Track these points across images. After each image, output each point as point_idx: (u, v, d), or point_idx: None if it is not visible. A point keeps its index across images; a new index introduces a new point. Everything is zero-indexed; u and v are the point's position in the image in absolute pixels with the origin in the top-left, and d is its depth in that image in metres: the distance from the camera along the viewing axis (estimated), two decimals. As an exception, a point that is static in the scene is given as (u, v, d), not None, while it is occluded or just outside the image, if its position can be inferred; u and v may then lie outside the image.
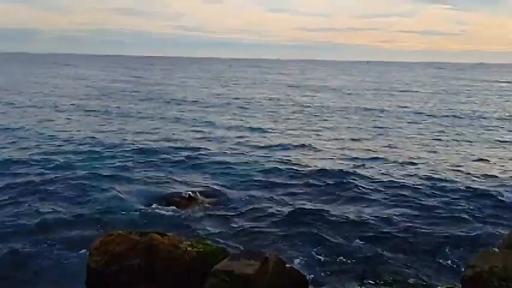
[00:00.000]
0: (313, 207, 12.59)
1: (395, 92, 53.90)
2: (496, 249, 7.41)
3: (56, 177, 14.85)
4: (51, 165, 16.31)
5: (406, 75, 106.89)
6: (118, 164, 16.81)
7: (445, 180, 15.03)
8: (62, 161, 17.01)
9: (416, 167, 16.99)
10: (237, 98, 41.96)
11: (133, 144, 20.15)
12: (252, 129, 25.16)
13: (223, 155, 18.54)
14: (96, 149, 19.11)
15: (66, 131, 23.40)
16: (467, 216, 11.95)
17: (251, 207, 12.63)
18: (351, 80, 79.85)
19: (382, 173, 16.01)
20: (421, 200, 13.14)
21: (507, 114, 33.40)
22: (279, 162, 17.50)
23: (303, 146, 20.75)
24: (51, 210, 12.02)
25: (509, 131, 25.92)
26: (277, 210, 12.37)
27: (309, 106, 37.66)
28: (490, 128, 26.91)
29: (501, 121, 29.84)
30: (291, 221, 11.61)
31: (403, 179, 15.25)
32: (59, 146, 19.70)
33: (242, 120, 28.45)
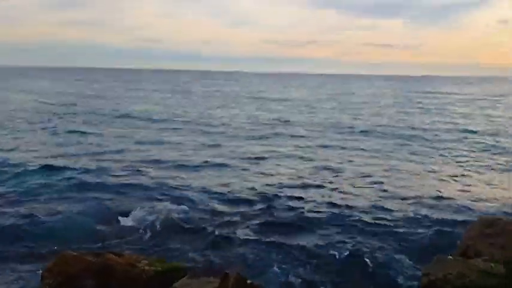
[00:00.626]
0: (278, 222, 12.59)
1: (351, 104, 55.11)
2: (450, 257, 7.61)
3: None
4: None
5: (363, 86, 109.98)
6: (67, 182, 16.11)
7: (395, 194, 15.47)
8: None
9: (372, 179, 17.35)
10: (185, 113, 41.29)
11: (84, 163, 19.23)
12: (204, 145, 24.75)
13: (177, 170, 18.32)
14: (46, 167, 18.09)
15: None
16: (419, 227, 12.22)
17: (212, 224, 12.44)
18: (307, 93, 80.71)
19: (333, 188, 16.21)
20: (372, 214, 13.32)
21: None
22: (237, 177, 17.43)
23: (259, 160, 20.79)
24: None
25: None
26: (241, 227, 12.24)
27: (261, 118, 38.00)
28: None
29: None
30: (254, 237, 11.51)
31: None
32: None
33: (202, 137, 27.67)
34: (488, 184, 17.03)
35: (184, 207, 13.61)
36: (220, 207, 13.80)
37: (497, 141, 26.74)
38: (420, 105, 53.58)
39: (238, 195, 15.03)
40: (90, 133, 27.73)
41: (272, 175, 18.00)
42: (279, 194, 15.11)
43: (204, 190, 15.49)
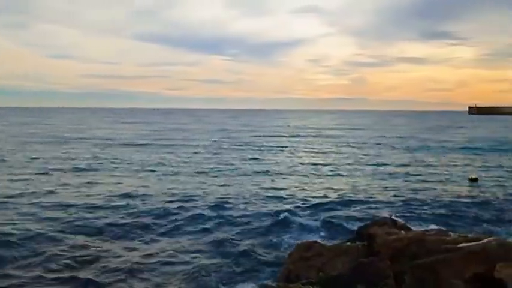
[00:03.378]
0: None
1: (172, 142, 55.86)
2: (273, 284, 8.01)
3: None
4: None
5: (189, 120, 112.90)
6: None
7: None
8: None
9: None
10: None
11: None
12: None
13: None
14: None
15: None
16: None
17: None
18: (129, 129, 76.56)
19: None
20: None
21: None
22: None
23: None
24: None
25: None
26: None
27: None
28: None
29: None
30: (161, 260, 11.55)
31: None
32: None
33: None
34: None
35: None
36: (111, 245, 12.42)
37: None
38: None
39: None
40: None
41: None
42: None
43: None
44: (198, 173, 26.22)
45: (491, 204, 17.85)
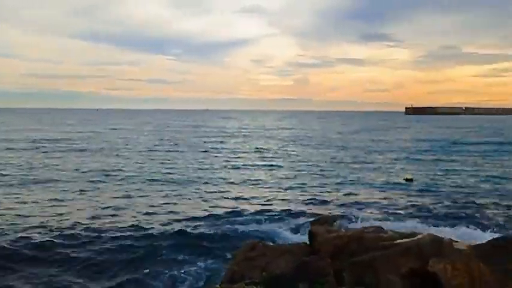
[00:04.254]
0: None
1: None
2: (217, 285, 7.98)
3: None
4: None
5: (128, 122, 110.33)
6: None
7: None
8: None
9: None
10: None
11: None
12: None
13: None
14: None
15: None
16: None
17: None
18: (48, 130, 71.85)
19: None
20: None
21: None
22: None
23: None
24: None
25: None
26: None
27: None
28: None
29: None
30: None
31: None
32: None
33: None
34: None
35: None
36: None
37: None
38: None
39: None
40: None
41: None
42: None
43: None
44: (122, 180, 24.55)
45: (425, 202, 18.74)
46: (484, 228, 14.58)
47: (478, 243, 8.69)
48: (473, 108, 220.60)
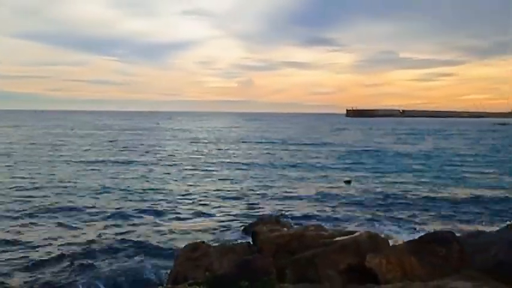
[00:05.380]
0: None
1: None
2: (160, 286, 7.96)
3: None
4: None
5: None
6: None
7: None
8: None
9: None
10: None
11: None
12: None
13: None
14: None
15: None
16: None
17: None
18: None
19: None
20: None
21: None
22: None
23: None
24: None
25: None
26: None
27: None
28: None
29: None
30: None
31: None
32: None
33: None
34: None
35: None
36: None
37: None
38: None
39: None
40: None
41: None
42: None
43: None
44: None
45: (363, 203, 19.49)
46: (415, 225, 15.46)
47: (409, 239, 9.21)
48: (410, 111, 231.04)
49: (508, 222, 11.45)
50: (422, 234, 9.65)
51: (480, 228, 14.17)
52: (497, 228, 10.60)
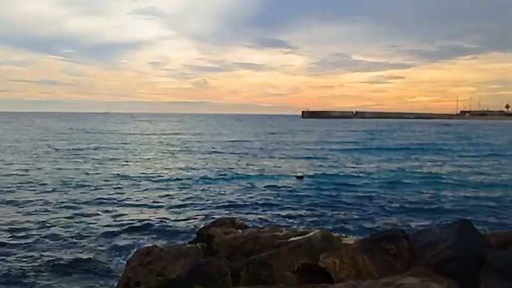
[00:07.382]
0: None
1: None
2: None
3: None
4: None
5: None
6: None
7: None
8: None
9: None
10: None
11: None
12: None
13: None
14: None
15: None
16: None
17: None
18: None
19: None
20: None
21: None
22: None
23: None
24: None
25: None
26: None
27: None
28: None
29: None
30: None
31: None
32: None
33: None
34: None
35: None
36: None
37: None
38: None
39: None
40: None
41: None
42: None
43: None
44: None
45: (315, 199, 19.79)
46: (368, 224, 15.80)
47: (362, 238, 9.35)
48: (363, 112, 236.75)
49: (456, 219, 11.87)
50: (375, 232, 9.83)
51: (430, 225, 14.66)
52: (446, 225, 10.96)
